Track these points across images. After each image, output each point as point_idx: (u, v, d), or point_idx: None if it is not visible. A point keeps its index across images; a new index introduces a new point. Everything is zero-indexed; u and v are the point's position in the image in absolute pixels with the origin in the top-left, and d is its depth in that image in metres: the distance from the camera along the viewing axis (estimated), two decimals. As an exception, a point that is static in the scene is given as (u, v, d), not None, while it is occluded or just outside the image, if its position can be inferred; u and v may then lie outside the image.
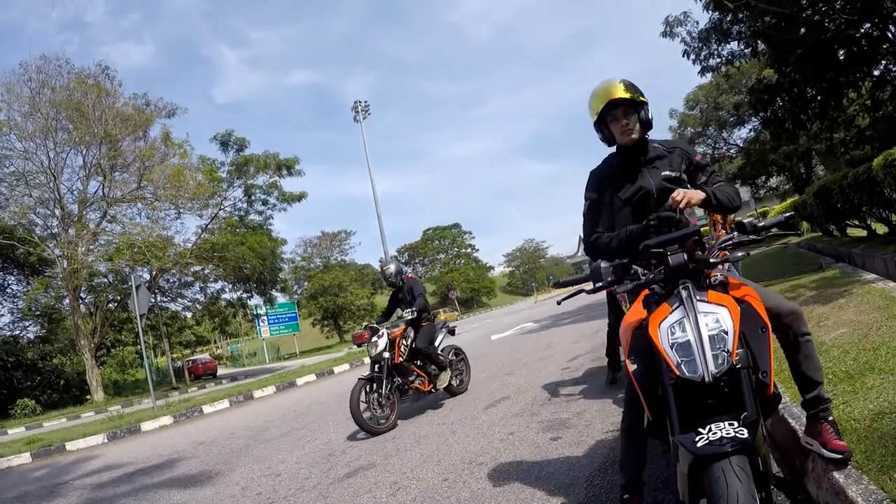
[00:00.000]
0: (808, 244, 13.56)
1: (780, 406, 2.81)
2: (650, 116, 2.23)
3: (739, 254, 1.91)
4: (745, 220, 1.97)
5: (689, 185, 2.21)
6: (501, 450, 3.88)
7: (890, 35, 12.03)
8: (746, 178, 35.27)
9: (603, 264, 1.96)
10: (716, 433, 1.44)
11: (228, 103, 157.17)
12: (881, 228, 9.12)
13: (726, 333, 1.58)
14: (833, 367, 3.26)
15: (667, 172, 2.20)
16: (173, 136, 25.23)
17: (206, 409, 11.17)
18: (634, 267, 1.90)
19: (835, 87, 13.29)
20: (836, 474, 1.98)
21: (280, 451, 5.58)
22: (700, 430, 1.47)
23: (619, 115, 2.20)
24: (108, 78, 23.63)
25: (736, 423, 1.45)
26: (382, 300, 62.53)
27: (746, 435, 1.40)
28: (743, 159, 34.30)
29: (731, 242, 1.91)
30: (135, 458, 7.02)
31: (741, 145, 34.68)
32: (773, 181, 37.96)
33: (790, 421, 2.58)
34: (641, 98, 2.18)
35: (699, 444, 1.43)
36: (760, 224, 1.97)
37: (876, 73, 13.67)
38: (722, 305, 1.65)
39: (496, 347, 11.18)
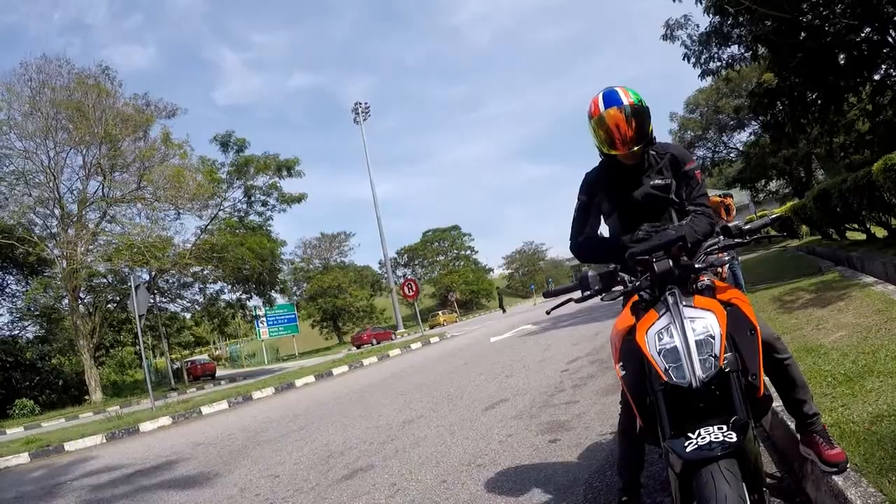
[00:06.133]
0: (808, 247, 13.57)
1: (780, 408, 2.81)
2: (651, 131, 2.18)
3: (725, 258, 1.92)
4: (730, 224, 1.96)
5: (676, 190, 2.21)
6: (500, 452, 3.87)
7: (890, 39, 12.05)
8: (746, 181, 35.32)
9: (590, 273, 1.94)
10: (705, 438, 1.45)
11: (229, 105, 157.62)
12: (880, 232, 9.13)
13: (713, 338, 1.59)
14: (832, 369, 3.26)
15: (657, 181, 2.20)
16: (173, 136, 25.30)
17: (205, 409, 11.14)
18: (621, 274, 1.90)
19: (835, 92, 13.31)
20: (835, 477, 1.98)
21: (278, 452, 5.57)
22: (690, 434, 1.49)
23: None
24: (109, 78, 23.72)
25: (725, 427, 1.46)
26: (382, 301, 62.46)
27: (735, 438, 1.41)
28: (743, 163, 34.34)
29: (716, 247, 1.91)
30: (133, 459, 7.00)
31: (741, 149, 34.70)
32: (773, 185, 38.02)
33: (789, 423, 2.57)
34: (649, 128, 2.13)
35: (688, 449, 1.44)
36: (746, 227, 1.96)
37: (876, 77, 13.69)
38: (708, 310, 1.66)
39: (495, 349, 11.17)
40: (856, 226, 9.98)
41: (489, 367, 8.52)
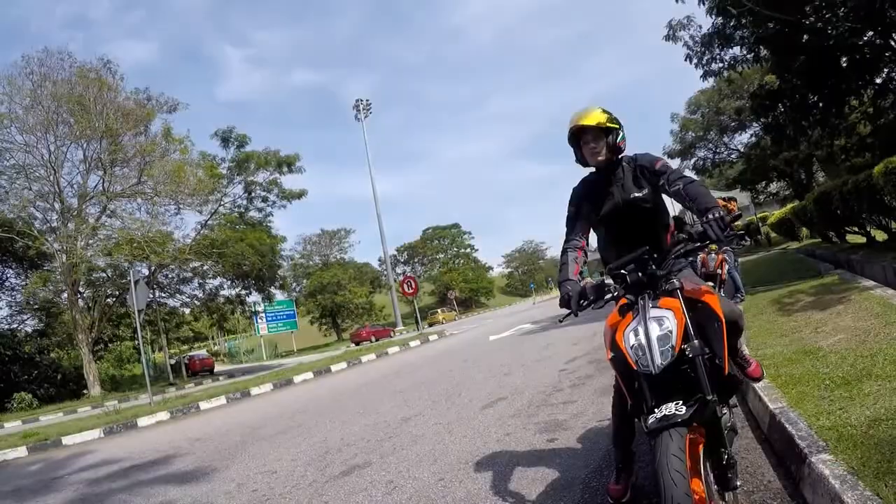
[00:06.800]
0: (808, 250, 13.58)
1: (777, 411, 2.81)
2: (619, 141, 2.44)
3: (683, 261, 2.30)
4: (692, 230, 2.17)
5: (655, 197, 2.46)
6: (498, 450, 3.88)
7: (893, 43, 12.03)
8: (747, 183, 35.27)
9: (587, 286, 2.28)
10: (663, 412, 1.81)
11: (230, 102, 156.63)
12: (880, 235, 9.14)
13: (671, 332, 1.92)
14: (830, 372, 3.27)
15: (636, 194, 2.44)
16: (174, 132, 25.28)
17: (203, 405, 11.15)
18: (607, 283, 2.25)
19: (837, 95, 13.27)
20: (832, 480, 1.99)
21: (276, 448, 5.58)
22: (655, 409, 1.85)
23: (589, 139, 2.44)
24: (110, 72, 23.59)
25: (680, 403, 1.82)
26: (381, 299, 62.47)
27: (684, 411, 1.77)
28: (743, 164, 34.30)
29: (681, 250, 2.19)
30: (130, 454, 7.01)
31: (742, 150, 34.66)
32: (774, 187, 37.95)
33: (787, 427, 2.58)
34: (610, 125, 2.41)
35: (650, 421, 1.82)
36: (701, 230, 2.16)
37: (878, 80, 13.65)
38: (669, 309, 1.99)
39: (494, 348, 11.18)
40: (856, 229, 9.99)
41: (487, 365, 8.53)
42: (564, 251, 2.54)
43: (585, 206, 2.56)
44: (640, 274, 2.11)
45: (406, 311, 50.59)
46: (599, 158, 2.45)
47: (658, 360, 1.89)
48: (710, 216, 2.03)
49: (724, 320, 2.09)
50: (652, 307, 2.01)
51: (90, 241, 23.69)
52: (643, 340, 1.95)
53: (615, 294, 2.21)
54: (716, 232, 2.01)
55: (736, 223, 2.24)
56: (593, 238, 2.73)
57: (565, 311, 2.34)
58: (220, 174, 29.00)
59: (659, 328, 1.94)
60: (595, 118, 2.39)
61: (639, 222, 2.47)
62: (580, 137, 2.47)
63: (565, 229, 2.61)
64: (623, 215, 2.47)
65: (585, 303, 2.26)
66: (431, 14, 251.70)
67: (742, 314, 2.52)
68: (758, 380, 2.71)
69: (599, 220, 2.55)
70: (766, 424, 2.96)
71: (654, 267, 2.12)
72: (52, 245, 22.96)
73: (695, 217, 2.31)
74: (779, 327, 5.17)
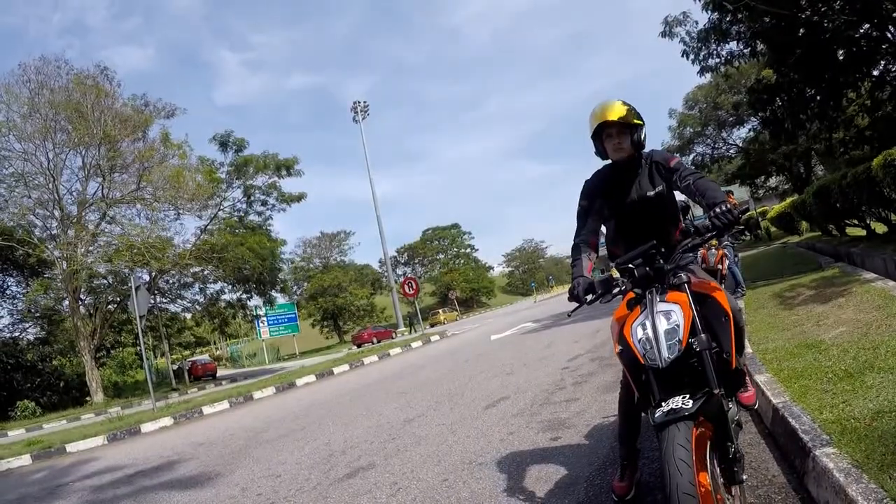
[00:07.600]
0: (808, 243, 13.58)
1: (781, 406, 2.81)
2: (643, 138, 2.46)
3: (690, 255, 2.36)
4: (698, 224, 2.23)
5: (668, 193, 2.48)
6: (501, 450, 3.87)
7: (889, 35, 12.03)
8: (745, 178, 35.26)
9: (596, 281, 2.28)
10: (670, 405, 1.79)
11: (228, 106, 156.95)
12: (880, 228, 9.13)
13: (678, 326, 1.93)
14: (832, 365, 3.27)
15: (650, 192, 2.46)
16: (172, 137, 25.26)
17: (206, 410, 11.15)
18: (616, 277, 2.27)
19: (834, 88, 13.28)
20: (836, 473, 1.98)
21: (280, 451, 5.58)
22: (662, 403, 1.82)
23: (614, 133, 2.44)
24: (107, 79, 23.57)
25: (687, 397, 1.79)
26: (382, 300, 62.48)
27: (691, 405, 1.76)
28: (742, 159, 34.29)
29: (688, 245, 2.23)
30: (135, 460, 7.01)
31: (740, 145, 34.66)
32: (773, 181, 37.94)
33: (790, 421, 2.58)
34: (636, 121, 2.41)
35: (657, 415, 1.80)
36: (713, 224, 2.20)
37: (875, 73, 13.67)
38: (676, 303, 2.00)
39: (496, 347, 11.17)
40: (856, 221, 9.98)
41: (490, 365, 8.53)
42: (577, 247, 2.52)
43: (598, 201, 2.55)
44: (647, 268, 2.13)
45: (407, 311, 50.66)
46: (623, 154, 2.46)
47: (665, 354, 1.90)
48: (718, 210, 2.06)
49: (731, 315, 2.10)
50: (659, 301, 2.02)
51: (90, 248, 23.67)
52: (650, 334, 1.96)
53: (623, 288, 2.22)
54: (723, 222, 2.03)
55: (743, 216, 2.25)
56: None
57: (574, 304, 2.34)
58: (219, 179, 28.97)
59: (666, 322, 1.95)
60: (619, 113, 2.38)
61: (650, 217, 2.49)
62: (603, 130, 2.46)
63: (576, 223, 2.59)
64: (637, 210, 2.49)
65: (593, 296, 2.28)
66: (430, 14, 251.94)
67: (741, 309, 2.49)
68: (749, 408, 2.66)
69: (612, 216, 2.56)
70: (770, 419, 2.96)
71: (661, 261, 2.14)
72: (52, 252, 22.95)
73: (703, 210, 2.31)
74: (780, 321, 5.17)
